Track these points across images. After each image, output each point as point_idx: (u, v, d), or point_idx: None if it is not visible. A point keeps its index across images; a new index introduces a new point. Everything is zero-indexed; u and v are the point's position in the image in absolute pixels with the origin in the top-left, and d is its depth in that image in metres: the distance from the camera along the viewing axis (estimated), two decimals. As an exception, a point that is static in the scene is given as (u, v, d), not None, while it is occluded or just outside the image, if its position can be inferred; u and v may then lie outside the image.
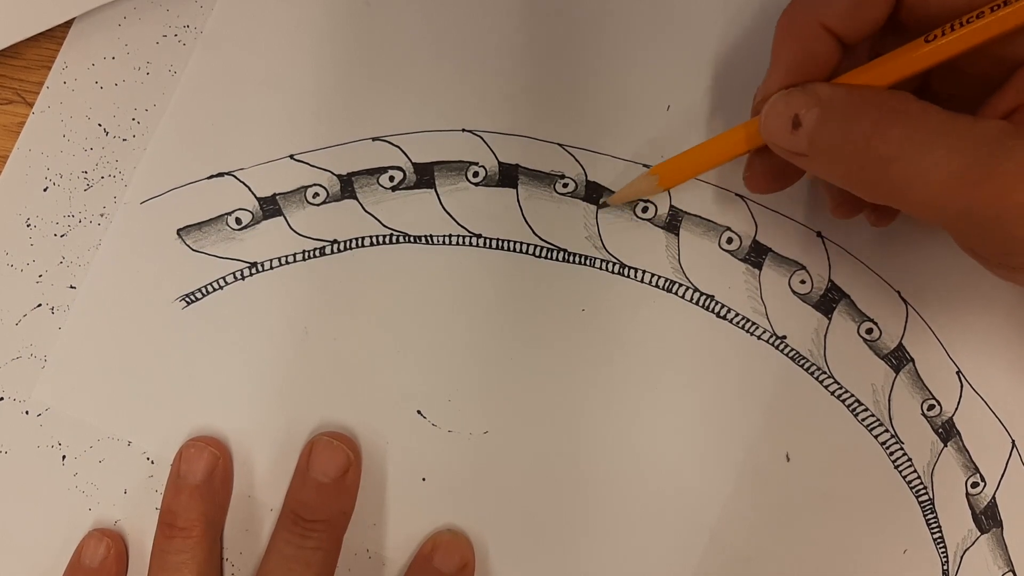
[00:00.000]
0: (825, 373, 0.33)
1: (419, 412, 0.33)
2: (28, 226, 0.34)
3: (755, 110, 0.29)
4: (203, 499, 0.32)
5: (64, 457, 0.33)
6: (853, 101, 0.25)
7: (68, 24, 0.34)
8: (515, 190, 0.33)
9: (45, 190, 0.34)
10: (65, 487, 0.33)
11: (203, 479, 0.32)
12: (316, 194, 0.34)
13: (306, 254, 0.34)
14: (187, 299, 0.33)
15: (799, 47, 0.27)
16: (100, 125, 0.34)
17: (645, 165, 0.33)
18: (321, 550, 0.32)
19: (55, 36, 0.34)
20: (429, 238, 0.34)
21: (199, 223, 0.34)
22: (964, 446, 0.33)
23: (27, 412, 0.33)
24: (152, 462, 0.33)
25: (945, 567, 0.33)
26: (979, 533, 0.33)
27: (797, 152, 0.26)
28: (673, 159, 0.31)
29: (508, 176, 0.33)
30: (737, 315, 0.33)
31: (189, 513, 0.32)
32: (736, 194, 0.33)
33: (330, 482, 0.32)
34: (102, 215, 0.34)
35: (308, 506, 0.32)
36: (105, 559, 0.33)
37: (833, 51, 0.27)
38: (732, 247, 0.33)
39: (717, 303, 0.33)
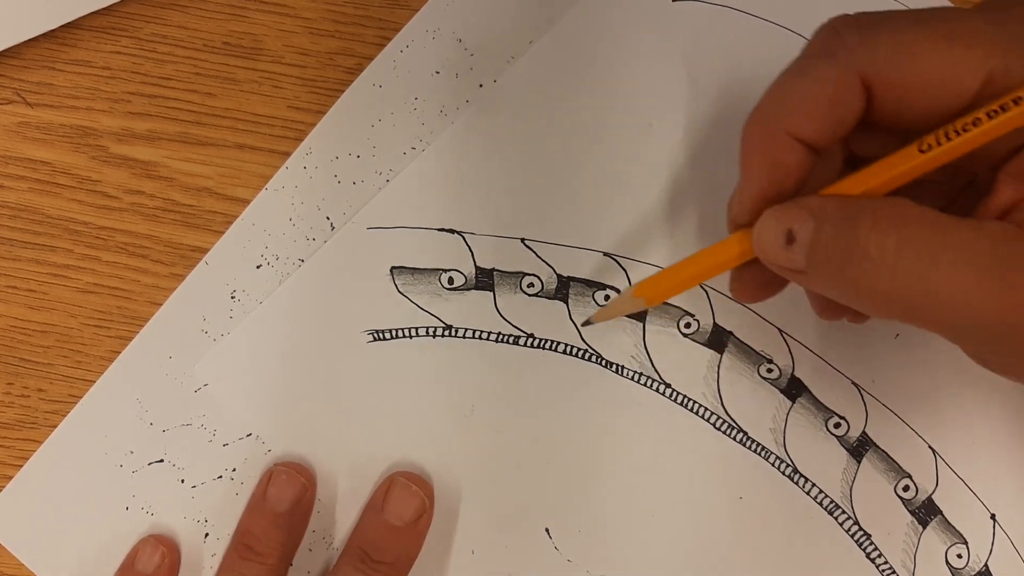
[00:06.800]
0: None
1: (546, 530, 0.33)
2: (232, 298, 0.33)
3: (732, 222, 0.27)
4: (283, 528, 0.32)
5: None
6: (848, 212, 0.24)
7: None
8: (720, 355, 0.33)
9: (258, 267, 0.33)
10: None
11: (289, 508, 0.32)
12: (531, 284, 0.34)
13: (500, 337, 0.33)
14: (375, 335, 0.33)
15: (769, 158, 0.25)
16: (328, 219, 0.33)
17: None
18: None
19: (55, 36, 0.34)
20: (620, 369, 0.33)
21: (414, 268, 0.33)
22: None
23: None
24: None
25: None
26: None
27: (795, 269, 0.25)
28: (657, 276, 0.29)
29: (719, 340, 0.33)
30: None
31: (269, 540, 0.31)
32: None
33: (403, 525, 0.31)
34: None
35: (376, 546, 0.31)
36: (159, 567, 0.32)
37: (804, 159, 0.25)
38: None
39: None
